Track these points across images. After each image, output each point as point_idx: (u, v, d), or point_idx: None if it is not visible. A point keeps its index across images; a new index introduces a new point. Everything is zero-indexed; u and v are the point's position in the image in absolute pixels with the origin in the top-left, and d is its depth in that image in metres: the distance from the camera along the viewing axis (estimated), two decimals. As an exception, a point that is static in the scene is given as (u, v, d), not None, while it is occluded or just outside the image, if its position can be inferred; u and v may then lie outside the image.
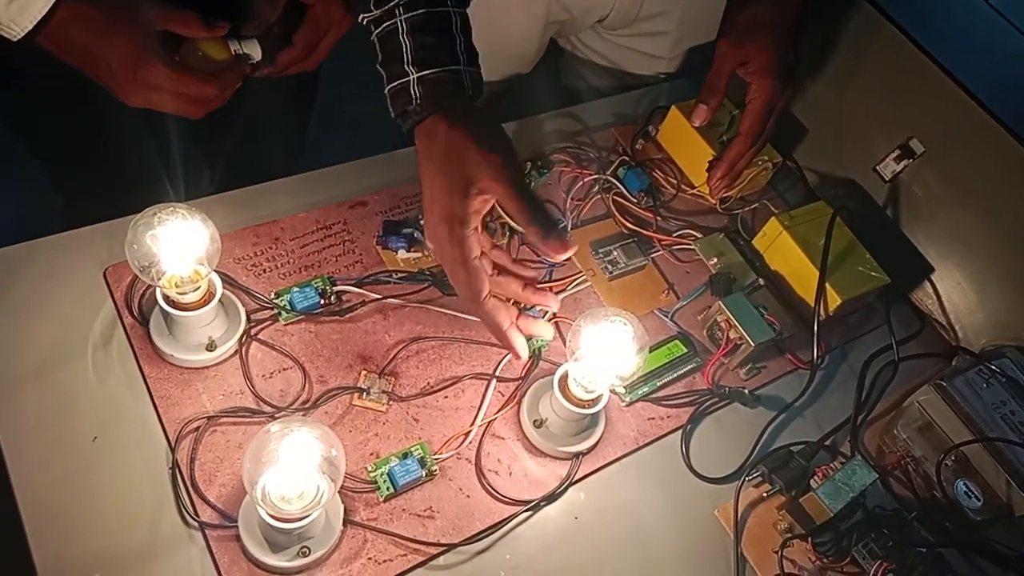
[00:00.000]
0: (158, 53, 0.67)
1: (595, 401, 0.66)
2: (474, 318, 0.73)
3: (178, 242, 0.61)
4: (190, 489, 0.62)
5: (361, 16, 0.66)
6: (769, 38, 0.81)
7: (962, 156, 0.83)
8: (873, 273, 0.82)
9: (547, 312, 0.74)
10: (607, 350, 0.64)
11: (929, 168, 0.86)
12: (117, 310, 0.69)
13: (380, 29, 0.64)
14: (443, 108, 0.63)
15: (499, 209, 0.69)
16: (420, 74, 0.63)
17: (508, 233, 0.80)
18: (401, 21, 0.63)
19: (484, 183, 0.63)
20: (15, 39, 0.63)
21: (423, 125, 0.64)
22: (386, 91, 0.65)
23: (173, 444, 0.63)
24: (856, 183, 0.92)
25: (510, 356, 0.71)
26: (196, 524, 0.61)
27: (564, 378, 0.67)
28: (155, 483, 0.62)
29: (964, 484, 0.74)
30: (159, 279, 0.62)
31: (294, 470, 0.55)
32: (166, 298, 0.64)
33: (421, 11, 0.63)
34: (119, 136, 0.88)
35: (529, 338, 0.69)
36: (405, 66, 0.63)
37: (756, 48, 0.81)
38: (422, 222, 0.76)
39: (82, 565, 0.58)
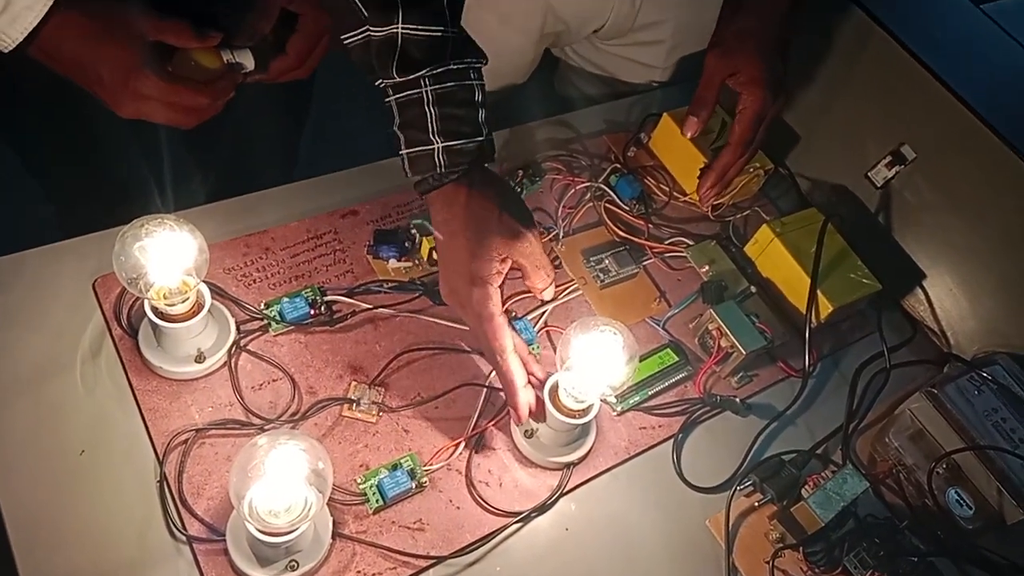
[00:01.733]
0: (149, 63, 0.67)
1: (586, 411, 0.66)
2: (464, 327, 0.73)
3: (166, 253, 0.61)
4: (178, 502, 0.62)
5: (380, 81, 0.66)
6: (757, 49, 0.81)
7: (954, 162, 0.83)
8: (865, 280, 0.82)
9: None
10: (597, 360, 0.64)
11: (921, 174, 0.86)
12: (106, 321, 0.69)
13: (401, 95, 0.65)
14: (465, 175, 0.66)
15: None
16: (446, 144, 0.65)
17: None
18: (427, 92, 0.65)
19: (508, 249, 0.67)
20: (6, 50, 0.63)
21: (443, 190, 0.67)
22: (403, 153, 0.67)
23: (161, 457, 0.63)
24: (848, 190, 0.92)
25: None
26: (184, 538, 0.60)
27: (554, 388, 0.66)
28: (143, 496, 0.62)
29: (956, 492, 0.74)
30: (147, 291, 0.62)
31: (281, 484, 0.54)
32: (154, 310, 0.63)
33: (450, 85, 0.65)
34: (110, 146, 0.88)
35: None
36: (430, 135, 0.65)
37: (745, 59, 0.81)
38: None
39: (69, 577, 0.58)
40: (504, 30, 0.97)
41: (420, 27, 0.64)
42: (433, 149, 0.65)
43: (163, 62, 0.70)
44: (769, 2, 0.83)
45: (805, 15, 0.84)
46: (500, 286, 0.68)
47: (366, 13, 0.63)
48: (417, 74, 0.64)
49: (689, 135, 0.86)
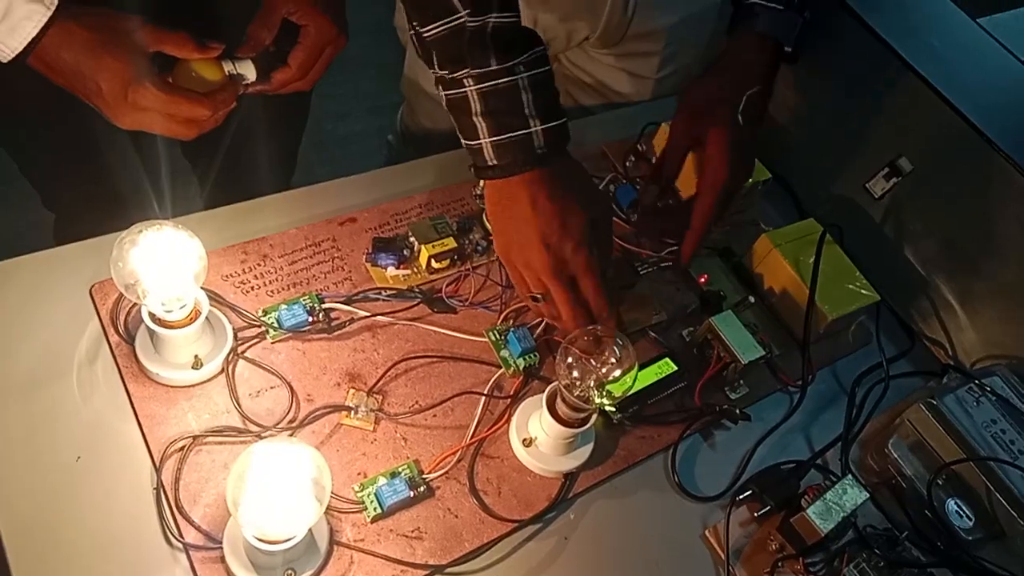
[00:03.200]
0: (149, 74, 0.67)
1: (584, 420, 0.66)
2: (465, 336, 0.74)
3: (164, 260, 0.60)
4: (174, 510, 0.61)
5: (432, 73, 0.68)
6: (725, 116, 0.79)
7: (951, 174, 0.83)
8: (863, 291, 0.82)
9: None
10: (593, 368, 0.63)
11: (918, 185, 0.86)
12: (103, 327, 0.69)
13: (488, 84, 0.66)
14: (516, 168, 0.67)
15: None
16: (545, 126, 0.67)
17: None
18: (523, 79, 0.66)
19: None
20: (6, 60, 0.63)
21: (496, 181, 0.69)
22: (486, 141, 0.67)
23: (158, 464, 0.63)
24: (846, 200, 0.92)
25: (500, 373, 0.73)
26: (180, 545, 0.60)
27: (552, 397, 0.66)
28: (139, 504, 0.61)
29: (955, 503, 0.73)
30: (144, 297, 0.62)
31: (279, 491, 0.54)
32: (152, 316, 0.63)
33: (544, 69, 0.67)
34: (108, 154, 0.88)
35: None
36: (527, 118, 0.66)
37: (710, 127, 0.79)
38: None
39: (64, 587, 0.57)
40: None
41: (507, 15, 0.65)
42: (531, 132, 0.66)
43: (163, 73, 0.70)
44: (749, 65, 0.81)
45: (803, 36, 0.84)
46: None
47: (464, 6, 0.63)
48: (460, 73, 0.65)
49: (646, 202, 0.85)
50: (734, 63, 0.82)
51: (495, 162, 0.68)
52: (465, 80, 0.66)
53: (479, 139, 0.67)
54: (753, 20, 0.82)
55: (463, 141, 0.69)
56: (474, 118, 0.67)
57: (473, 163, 0.70)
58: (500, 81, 0.66)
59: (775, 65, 0.83)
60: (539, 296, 0.71)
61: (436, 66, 0.67)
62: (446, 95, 0.68)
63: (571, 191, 0.69)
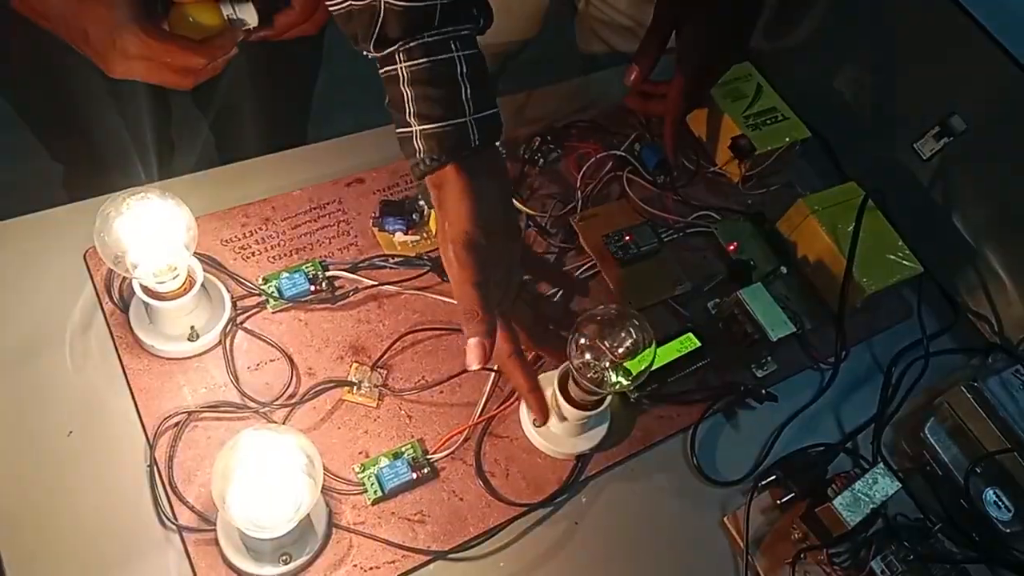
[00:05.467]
0: (137, 20, 0.62)
1: (598, 402, 0.62)
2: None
3: (150, 230, 0.57)
4: (168, 489, 0.59)
5: (365, 54, 0.59)
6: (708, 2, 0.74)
7: (1008, 135, 0.76)
8: (905, 262, 0.76)
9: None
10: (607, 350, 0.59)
11: (971, 147, 0.79)
12: (97, 295, 0.66)
13: (383, 71, 0.58)
14: (451, 159, 0.57)
15: None
16: (421, 127, 0.57)
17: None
18: (401, 69, 0.57)
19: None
20: None
21: (432, 177, 0.59)
22: (397, 134, 0.59)
23: (152, 440, 0.60)
24: (891, 162, 0.86)
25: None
26: (174, 527, 0.58)
27: (565, 378, 0.62)
28: (132, 481, 0.59)
29: (994, 493, 0.69)
30: (134, 270, 0.58)
31: (266, 486, 0.51)
32: (143, 287, 0.60)
33: (423, 61, 0.56)
34: (101, 107, 0.84)
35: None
36: (407, 117, 0.57)
37: (693, 12, 0.74)
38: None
39: (54, 566, 0.56)
40: None
41: None
42: (412, 133, 0.57)
43: (158, 19, 0.65)
44: None
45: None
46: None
47: None
48: (390, 49, 0.56)
49: (628, 83, 0.79)
50: None
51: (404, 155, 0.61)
52: (373, 61, 0.58)
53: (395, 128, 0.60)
54: None
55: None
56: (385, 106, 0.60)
57: None
58: (387, 70, 0.57)
59: None
60: None
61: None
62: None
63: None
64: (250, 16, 0.70)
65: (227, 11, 0.69)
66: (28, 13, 0.62)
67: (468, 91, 0.57)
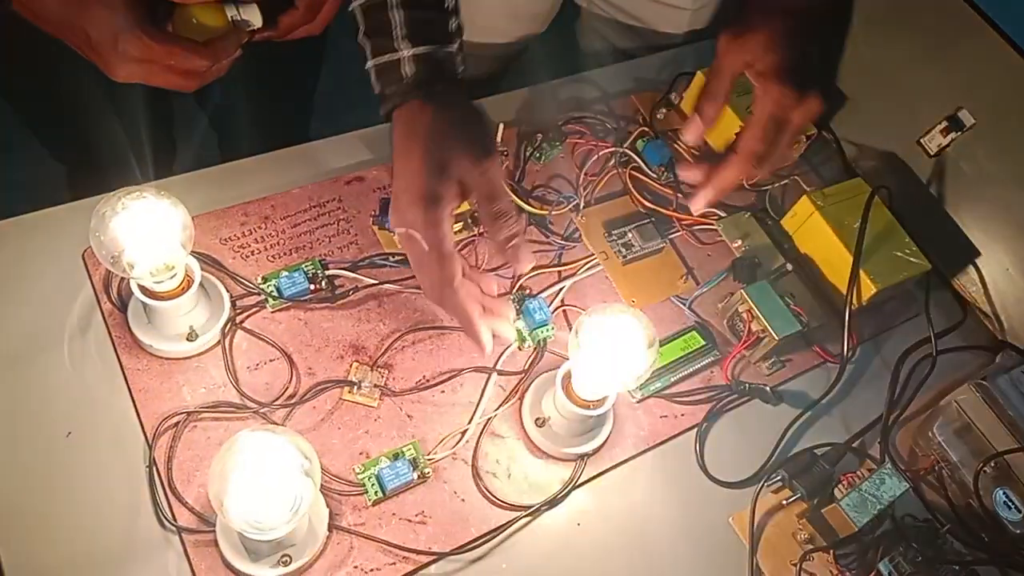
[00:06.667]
0: (140, 22, 0.62)
1: (601, 402, 0.61)
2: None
3: (145, 229, 0.56)
4: (167, 490, 0.58)
5: None
6: (779, 32, 0.67)
7: (1016, 130, 0.75)
8: (913, 259, 0.75)
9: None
10: (611, 353, 0.58)
11: (979, 142, 0.78)
12: (96, 295, 0.65)
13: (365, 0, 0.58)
14: (431, 91, 0.57)
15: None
16: (413, 51, 0.57)
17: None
18: (356, 8, 0.58)
19: (465, 172, 0.59)
20: None
21: (406, 106, 0.58)
22: (370, 65, 0.59)
23: (151, 441, 0.60)
24: (897, 157, 0.85)
25: (512, 346, 0.68)
26: (173, 528, 0.57)
27: (567, 376, 0.62)
28: (131, 482, 0.59)
29: (1004, 493, 0.68)
30: (131, 270, 0.58)
31: (264, 488, 0.51)
32: (141, 287, 0.60)
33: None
34: (105, 109, 0.83)
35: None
36: (395, 41, 0.56)
37: (763, 44, 0.67)
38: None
39: (52, 568, 0.55)
40: None
41: None
42: (399, 58, 0.57)
43: (160, 21, 0.65)
44: None
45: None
46: (452, 211, 0.60)
47: None
48: None
49: (691, 141, 0.73)
50: None
51: (376, 88, 0.60)
52: None
53: (366, 63, 0.60)
54: None
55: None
56: (360, 38, 0.60)
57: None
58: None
59: None
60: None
61: None
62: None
63: (427, 145, 0.60)
64: (254, 17, 0.70)
65: (231, 12, 0.68)
66: (29, 16, 0.61)
67: (455, 22, 0.58)
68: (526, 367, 0.68)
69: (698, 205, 0.73)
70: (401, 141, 0.61)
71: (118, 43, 0.61)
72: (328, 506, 0.59)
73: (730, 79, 0.71)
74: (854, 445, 0.69)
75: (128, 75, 0.64)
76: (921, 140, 0.82)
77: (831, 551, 0.63)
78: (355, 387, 0.64)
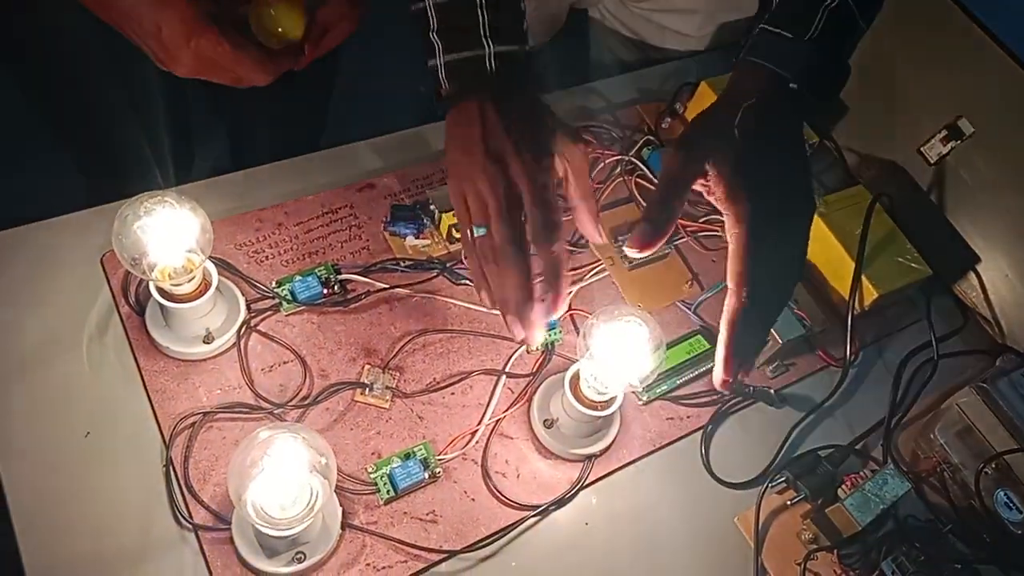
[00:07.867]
0: (218, 23, 0.62)
1: (608, 403, 0.63)
2: (484, 308, 0.69)
3: (167, 232, 0.58)
4: (184, 488, 0.60)
5: None
6: (736, 147, 0.59)
7: (1015, 138, 0.77)
8: (914, 264, 0.77)
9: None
10: (619, 354, 0.60)
11: (978, 150, 0.80)
12: (114, 298, 0.67)
13: (414, 6, 0.61)
14: (471, 95, 0.59)
15: None
16: (498, 49, 0.59)
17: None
18: (429, 5, 0.59)
19: (518, 172, 0.59)
20: None
21: (473, 102, 0.60)
22: (444, 61, 0.61)
23: (168, 441, 0.61)
24: (898, 166, 0.86)
25: (521, 349, 0.69)
26: (190, 526, 0.58)
27: (575, 378, 0.63)
28: (149, 481, 0.60)
29: (1005, 494, 0.69)
30: (150, 272, 0.59)
31: (280, 484, 0.52)
32: (159, 290, 0.61)
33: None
34: (125, 117, 0.85)
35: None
36: (482, 38, 0.59)
37: (718, 159, 0.59)
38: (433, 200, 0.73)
39: (71, 565, 0.56)
40: None
41: None
42: (484, 54, 0.59)
43: (237, 19, 0.65)
44: (747, 92, 0.62)
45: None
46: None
47: None
48: None
49: (636, 254, 0.60)
50: (730, 90, 0.64)
51: (447, 88, 0.61)
52: None
53: (433, 59, 0.61)
54: (752, 46, 0.64)
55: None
56: (432, 35, 0.61)
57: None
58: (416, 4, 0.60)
59: (777, 97, 0.62)
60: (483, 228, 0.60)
61: None
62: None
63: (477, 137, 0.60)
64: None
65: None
66: (91, 5, 0.62)
67: (486, 23, 0.60)
68: (535, 370, 0.69)
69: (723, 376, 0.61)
70: (459, 129, 0.61)
71: (193, 40, 0.62)
72: (341, 505, 0.60)
73: (681, 192, 0.61)
74: (857, 447, 0.71)
75: (190, 71, 0.64)
76: (921, 148, 0.84)
77: (835, 551, 0.64)
78: (367, 389, 0.66)
